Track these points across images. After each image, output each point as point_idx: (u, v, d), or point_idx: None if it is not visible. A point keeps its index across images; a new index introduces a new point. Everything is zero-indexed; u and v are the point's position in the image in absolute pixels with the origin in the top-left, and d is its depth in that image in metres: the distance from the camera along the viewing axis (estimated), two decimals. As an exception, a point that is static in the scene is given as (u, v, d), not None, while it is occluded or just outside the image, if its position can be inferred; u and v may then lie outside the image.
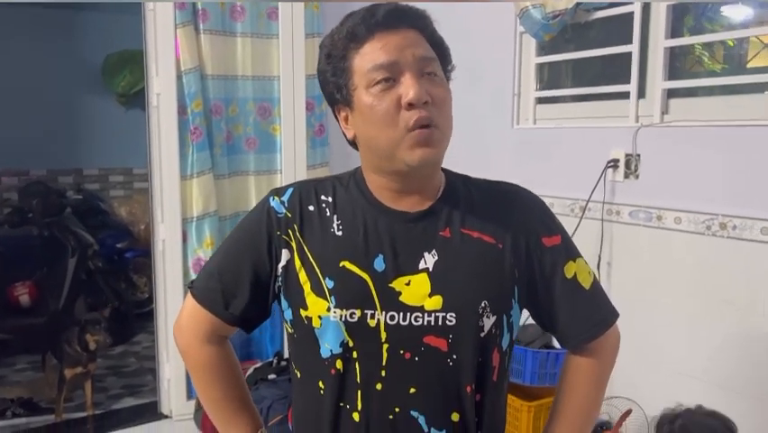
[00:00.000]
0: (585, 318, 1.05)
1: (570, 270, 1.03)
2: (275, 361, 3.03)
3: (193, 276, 3.09)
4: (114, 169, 5.63)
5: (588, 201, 2.41)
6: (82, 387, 3.28)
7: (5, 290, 4.31)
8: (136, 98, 5.32)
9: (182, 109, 2.99)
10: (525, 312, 1.08)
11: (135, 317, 4.58)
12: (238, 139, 3.20)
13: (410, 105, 0.91)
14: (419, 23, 0.96)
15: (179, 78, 2.96)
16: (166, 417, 3.16)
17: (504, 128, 2.84)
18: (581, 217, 2.43)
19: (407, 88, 0.91)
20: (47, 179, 5.12)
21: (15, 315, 4.22)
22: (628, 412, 2.19)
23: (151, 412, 3.21)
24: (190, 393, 3.13)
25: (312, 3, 3.25)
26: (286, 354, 3.04)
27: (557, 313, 1.04)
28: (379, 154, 0.97)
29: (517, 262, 1.00)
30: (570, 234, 2.50)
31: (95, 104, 5.38)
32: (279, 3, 3.15)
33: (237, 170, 3.22)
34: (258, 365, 3.05)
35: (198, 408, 3.03)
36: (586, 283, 1.05)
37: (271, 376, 2.95)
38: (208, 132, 3.05)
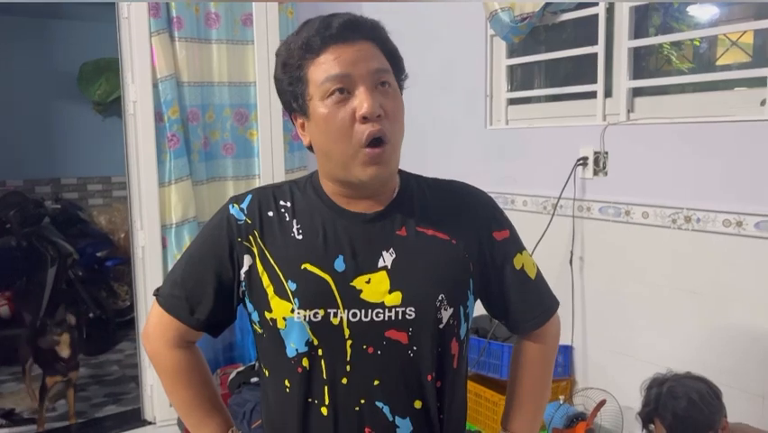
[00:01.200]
0: (533, 306, 1.13)
1: (518, 261, 1.10)
2: (257, 365, 3.05)
3: (173, 282, 3.11)
4: (92, 177, 5.61)
5: (559, 199, 2.48)
6: (64, 396, 3.27)
7: (-16, 302, 4.28)
8: (113, 106, 5.32)
9: (159, 116, 3.00)
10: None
11: (117, 325, 4.57)
12: (215, 145, 3.23)
13: (364, 119, 0.95)
14: (373, 34, 1.00)
15: (155, 85, 2.98)
16: (149, 423, 3.17)
17: (477, 129, 2.89)
18: (553, 214, 2.49)
19: (362, 102, 0.94)
20: (24, 189, 5.09)
21: (-5, 326, 4.20)
22: (602, 403, 2.25)
23: (135, 419, 3.22)
24: (173, 399, 3.14)
25: (287, 8, 3.28)
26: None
27: (508, 302, 1.11)
28: (332, 164, 1.01)
29: (471, 255, 1.05)
30: (542, 230, 2.57)
31: (71, 113, 5.37)
32: (254, 9, 3.18)
33: (215, 175, 3.24)
34: (241, 369, 3.08)
35: (182, 413, 3.04)
36: (531, 274, 1.12)
37: (254, 379, 2.97)
38: (185, 138, 3.07)
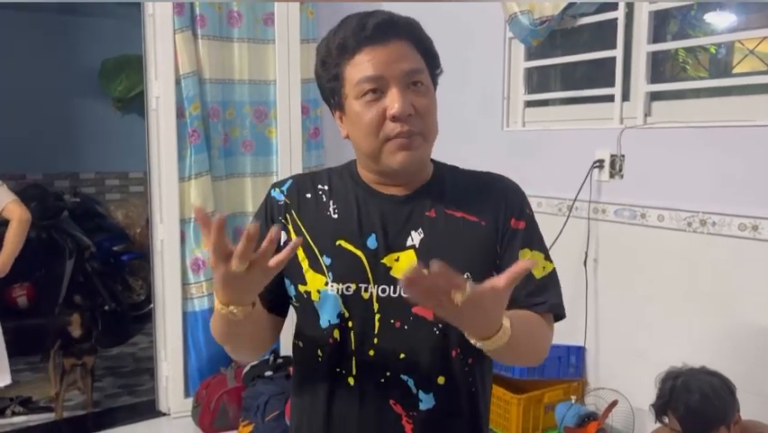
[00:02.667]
0: (527, 296, 1.06)
1: (524, 255, 1.07)
2: (271, 359, 3.10)
3: (191, 276, 3.16)
4: (110, 173, 5.68)
5: (574, 200, 2.50)
6: (80, 384, 3.33)
7: (3, 292, 4.34)
8: (132, 103, 5.39)
9: (180, 112, 3.06)
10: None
11: (132, 318, 4.63)
12: (235, 141, 3.28)
13: (394, 118, 0.99)
14: (407, 33, 1.03)
15: (178, 82, 3.04)
16: (164, 414, 3.22)
17: (494, 131, 2.92)
18: (568, 216, 2.51)
19: (393, 102, 0.99)
20: (43, 183, 5.16)
21: (13, 316, 4.25)
22: (614, 403, 2.27)
23: (149, 410, 3.26)
24: (188, 391, 3.19)
25: (307, 8, 3.33)
26: (282, 353, 3.11)
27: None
28: (365, 156, 1.07)
29: (497, 238, 1.08)
30: (558, 232, 2.58)
31: (91, 108, 5.44)
32: (276, 9, 3.22)
33: (234, 171, 3.29)
34: (255, 363, 3.12)
35: (196, 405, 3.09)
36: (537, 274, 1.07)
37: (268, 373, 3.01)
38: (206, 134, 3.13)
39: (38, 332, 3.81)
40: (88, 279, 4.44)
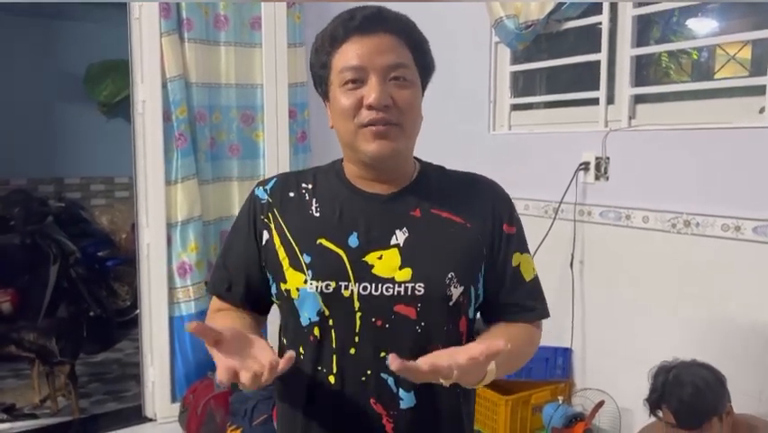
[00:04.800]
0: (522, 302, 1.13)
1: (516, 259, 1.13)
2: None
3: (177, 280, 3.15)
4: (95, 177, 5.65)
5: (560, 203, 2.52)
6: (64, 391, 3.30)
7: (-13, 298, 4.30)
8: (118, 108, 5.37)
9: (167, 116, 3.05)
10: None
11: (117, 324, 4.59)
12: (222, 145, 3.27)
13: (370, 107, 1.01)
14: (396, 28, 1.05)
15: (164, 85, 3.03)
16: (150, 420, 3.19)
17: (480, 134, 2.94)
18: (554, 218, 2.53)
19: (370, 91, 1.01)
20: (27, 188, 5.13)
21: (-4, 322, 4.21)
22: (601, 403, 2.28)
23: (136, 416, 3.23)
24: (175, 396, 3.17)
25: (294, 12, 3.34)
26: (269, 356, 3.09)
27: (497, 294, 1.12)
28: (344, 144, 1.08)
29: (484, 241, 1.10)
30: (544, 234, 2.61)
31: (75, 113, 5.42)
32: (263, 13, 3.23)
33: (221, 175, 3.28)
34: (242, 367, 3.10)
35: (183, 410, 3.06)
36: (527, 276, 1.14)
37: (255, 377, 3.00)
38: (193, 138, 3.12)
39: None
40: (73, 284, 4.39)
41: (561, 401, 2.40)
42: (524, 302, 1.13)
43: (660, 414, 1.69)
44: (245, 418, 2.79)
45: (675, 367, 1.70)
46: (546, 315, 1.16)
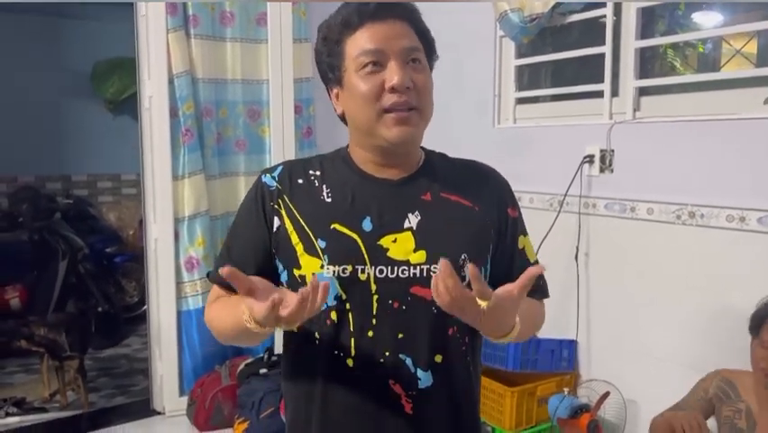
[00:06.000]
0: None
1: (521, 242, 1.18)
2: (266, 356, 3.11)
3: (185, 274, 3.17)
4: (102, 174, 5.68)
5: (565, 195, 2.53)
6: (74, 385, 3.34)
7: (-4, 294, 4.34)
8: (125, 105, 5.40)
9: (174, 111, 3.07)
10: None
11: (125, 320, 4.63)
12: (228, 140, 3.29)
13: (393, 89, 1.02)
14: (407, 15, 1.08)
15: (171, 81, 3.05)
16: (159, 413, 3.22)
17: (485, 128, 2.95)
18: (559, 211, 2.54)
19: (392, 74, 1.02)
20: (35, 185, 5.16)
21: (6, 318, 4.25)
22: (606, 395, 2.29)
23: (144, 409, 3.26)
24: (182, 389, 3.20)
25: (300, 9, 3.35)
26: (276, 350, 3.12)
27: (508, 276, 1.12)
28: (361, 130, 1.09)
29: (492, 223, 1.13)
30: (549, 227, 2.62)
31: (83, 110, 5.44)
32: (268, 9, 3.25)
33: (227, 170, 3.31)
34: (249, 361, 3.13)
35: (191, 403, 3.09)
36: (531, 257, 1.20)
37: (263, 371, 3.02)
38: (199, 133, 3.14)
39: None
40: (81, 280, 4.43)
41: (566, 393, 2.41)
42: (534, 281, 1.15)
43: (762, 331, 1.72)
44: (252, 410, 2.81)
45: None
46: (548, 294, 1.23)
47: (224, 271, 0.88)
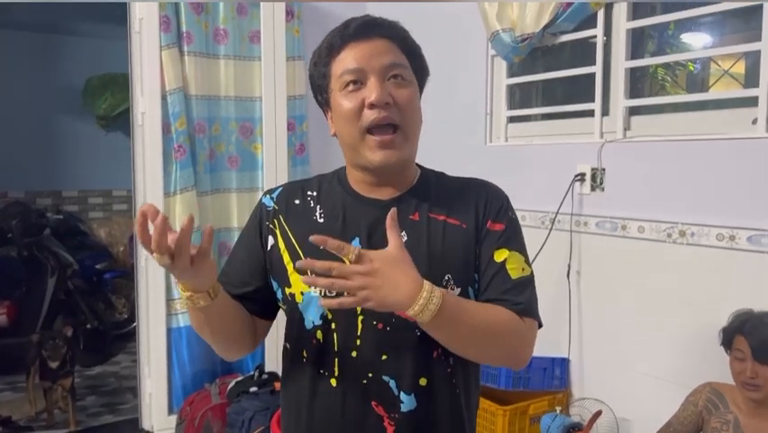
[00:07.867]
0: (502, 293, 1.07)
1: (500, 255, 1.08)
2: (256, 374, 3.08)
3: (175, 291, 3.15)
4: (93, 191, 5.66)
5: (557, 213, 2.54)
6: (61, 404, 3.29)
7: (-16, 311, 4.29)
8: (116, 121, 5.40)
9: (166, 128, 3.06)
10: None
11: (114, 337, 4.58)
12: (221, 157, 3.29)
13: (372, 105, 1.04)
14: (390, 32, 1.09)
15: (164, 97, 3.05)
16: (147, 432, 3.18)
17: (477, 146, 2.97)
18: (551, 229, 2.55)
19: (371, 91, 1.04)
20: (25, 200, 5.13)
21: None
22: (598, 413, 2.29)
23: (132, 428, 3.22)
24: (172, 408, 3.15)
25: (293, 26, 3.37)
26: (267, 369, 3.09)
27: (484, 287, 1.09)
28: (348, 150, 1.11)
29: (477, 240, 1.10)
30: (540, 245, 2.62)
31: (74, 126, 5.44)
32: (262, 27, 3.26)
33: (219, 187, 3.29)
34: (239, 379, 3.10)
35: (180, 421, 3.06)
36: (513, 274, 1.08)
37: (253, 389, 2.99)
38: (192, 150, 3.13)
39: (18, 352, 3.76)
40: (70, 297, 4.39)
41: (558, 411, 2.40)
42: (508, 294, 1.07)
43: (734, 344, 1.78)
44: (242, 429, 2.78)
45: (751, 318, 1.79)
46: (535, 314, 1.09)
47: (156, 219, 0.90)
